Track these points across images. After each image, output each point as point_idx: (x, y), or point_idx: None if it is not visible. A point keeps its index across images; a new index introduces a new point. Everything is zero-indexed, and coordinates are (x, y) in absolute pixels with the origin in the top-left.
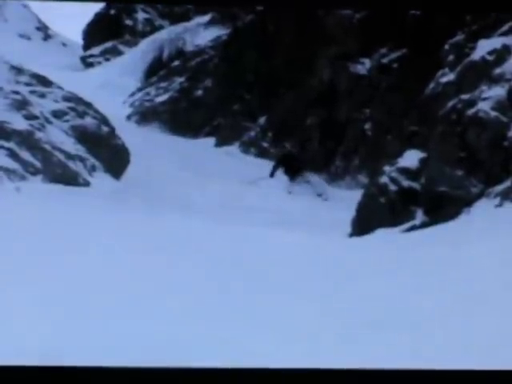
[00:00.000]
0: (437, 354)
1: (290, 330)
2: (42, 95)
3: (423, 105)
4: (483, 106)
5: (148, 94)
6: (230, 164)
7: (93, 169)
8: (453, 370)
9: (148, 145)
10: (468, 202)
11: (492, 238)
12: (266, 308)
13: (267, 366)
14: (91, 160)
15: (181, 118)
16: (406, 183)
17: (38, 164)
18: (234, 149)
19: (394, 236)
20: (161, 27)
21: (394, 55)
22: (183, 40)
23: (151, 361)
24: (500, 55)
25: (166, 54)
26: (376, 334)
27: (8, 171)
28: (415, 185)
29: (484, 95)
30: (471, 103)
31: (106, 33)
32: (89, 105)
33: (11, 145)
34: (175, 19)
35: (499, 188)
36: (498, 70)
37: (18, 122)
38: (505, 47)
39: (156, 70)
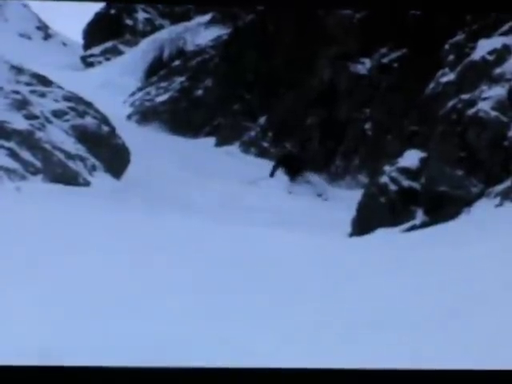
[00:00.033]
0: (437, 354)
1: (290, 329)
2: (43, 95)
3: (423, 105)
4: (483, 106)
5: (148, 93)
6: (230, 164)
7: (93, 168)
8: (453, 370)
9: (148, 144)
10: (468, 201)
11: (492, 238)
12: (266, 308)
13: (267, 366)
14: (91, 160)
15: (181, 117)
16: (406, 183)
17: (38, 164)
18: (234, 149)
19: (394, 236)
20: (161, 27)
21: (394, 55)
22: (184, 40)
23: (151, 361)
24: (500, 55)
25: (166, 54)
26: (376, 333)
27: (8, 171)
28: (415, 185)
29: (484, 95)
30: (471, 103)
31: (106, 32)
32: (89, 104)
33: (11, 144)
34: (176, 19)
35: (499, 188)
36: (498, 70)
37: (19, 122)
38: (505, 47)
39: (156, 69)
